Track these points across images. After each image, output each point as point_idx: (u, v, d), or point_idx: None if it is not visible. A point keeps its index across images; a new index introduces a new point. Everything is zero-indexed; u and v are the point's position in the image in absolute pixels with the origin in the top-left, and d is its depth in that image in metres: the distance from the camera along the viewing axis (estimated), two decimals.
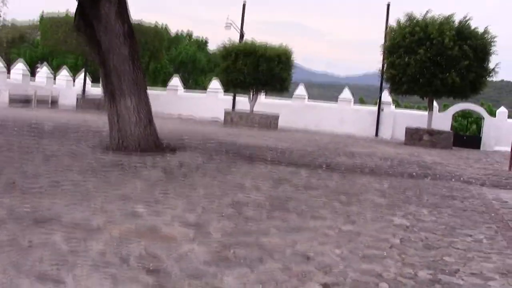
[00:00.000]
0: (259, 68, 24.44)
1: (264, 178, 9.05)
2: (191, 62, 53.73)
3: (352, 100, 29.20)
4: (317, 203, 7.20)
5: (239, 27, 30.26)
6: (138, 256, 4.18)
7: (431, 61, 20.47)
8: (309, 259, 4.51)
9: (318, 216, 6.29)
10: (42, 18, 34.24)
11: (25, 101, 28.51)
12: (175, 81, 32.02)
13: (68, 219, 5.15)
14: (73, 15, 11.69)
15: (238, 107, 28.80)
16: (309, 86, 31.37)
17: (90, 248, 4.29)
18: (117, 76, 10.78)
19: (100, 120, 19.14)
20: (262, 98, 27.59)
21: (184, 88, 33.10)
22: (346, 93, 28.86)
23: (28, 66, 32.25)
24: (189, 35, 59.55)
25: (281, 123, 26.24)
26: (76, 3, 11.34)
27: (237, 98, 29.50)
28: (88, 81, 33.80)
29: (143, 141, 10.95)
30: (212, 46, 60.05)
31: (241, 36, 29.49)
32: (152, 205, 6.12)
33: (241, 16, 30.12)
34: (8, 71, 30.13)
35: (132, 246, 4.43)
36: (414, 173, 11.39)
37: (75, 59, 43.96)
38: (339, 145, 18.44)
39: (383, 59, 23.54)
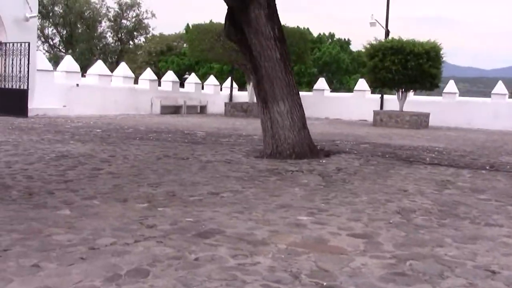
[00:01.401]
0: (408, 65, 23.73)
1: (426, 181, 8.58)
2: (334, 62, 53.57)
3: (508, 94, 27.86)
4: (488, 207, 6.65)
5: (383, 25, 29.70)
6: (309, 272, 3.92)
7: None
8: (494, 274, 4.05)
9: (493, 223, 5.77)
10: (188, 28, 35.27)
11: (175, 109, 29.49)
12: (321, 82, 31.95)
13: (231, 230, 5.00)
14: (218, 24, 11.74)
15: (386, 106, 28.23)
16: (454, 81, 30.27)
17: (258, 263, 4.09)
18: (269, 81, 10.65)
19: (249, 126, 19.33)
20: (410, 96, 26.88)
21: (329, 89, 32.94)
22: (500, 87, 27.63)
23: (176, 75, 33.29)
24: (331, 36, 59.46)
25: (431, 121, 25.47)
26: (225, 11, 11.35)
27: (384, 97, 28.97)
28: (235, 87, 34.45)
29: (298, 146, 10.74)
30: (354, 46, 59.73)
31: (387, 33, 28.87)
32: (315, 213, 5.87)
33: (385, 13, 29.57)
34: (159, 81, 31.18)
35: (301, 260, 4.19)
36: None
37: (221, 67, 45.02)
38: (498, 142, 17.52)
39: None
